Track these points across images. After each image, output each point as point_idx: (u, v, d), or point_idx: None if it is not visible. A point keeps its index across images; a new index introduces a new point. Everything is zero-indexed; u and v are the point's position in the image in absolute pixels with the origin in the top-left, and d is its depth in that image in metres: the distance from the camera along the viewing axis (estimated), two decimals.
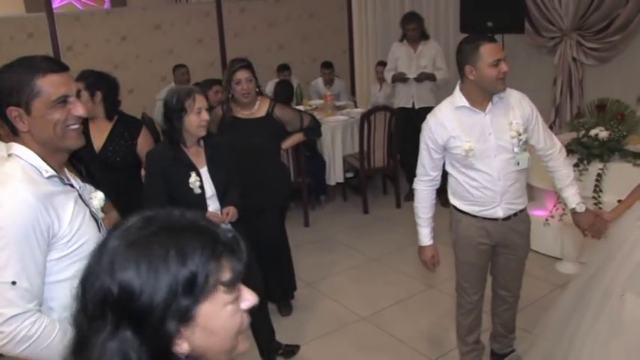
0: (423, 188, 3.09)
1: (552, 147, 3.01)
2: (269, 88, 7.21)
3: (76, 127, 1.76)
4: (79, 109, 1.75)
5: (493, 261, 3.19)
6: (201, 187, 3.06)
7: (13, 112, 1.68)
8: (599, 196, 4.16)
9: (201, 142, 3.13)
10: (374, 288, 4.55)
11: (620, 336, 2.51)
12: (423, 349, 3.73)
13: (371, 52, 8.54)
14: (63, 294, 1.67)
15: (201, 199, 3.06)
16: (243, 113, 3.85)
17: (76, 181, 1.88)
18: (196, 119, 2.98)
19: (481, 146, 2.85)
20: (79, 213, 1.76)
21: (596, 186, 4.18)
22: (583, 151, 4.28)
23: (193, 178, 3.04)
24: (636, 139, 4.48)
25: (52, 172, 1.73)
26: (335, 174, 6.19)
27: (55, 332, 1.65)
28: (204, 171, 3.10)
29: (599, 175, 4.20)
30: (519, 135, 2.85)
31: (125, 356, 0.93)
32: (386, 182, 6.71)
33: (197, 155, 3.11)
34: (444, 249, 3.34)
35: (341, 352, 3.76)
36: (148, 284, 0.93)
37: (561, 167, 3.04)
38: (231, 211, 3.10)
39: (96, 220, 1.86)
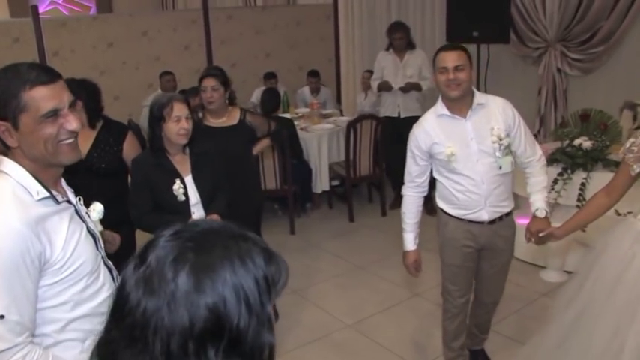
0: (410, 194, 3.17)
1: (532, 155, 3.07)
2: (255, 95, 7.23)
3: (69, 141, 1.63)
4: (72, 124, 1.61)
5: (477, 266, 3.23)
6: (185, 194, 3.04)
7: (1, 127, 1.56)
8: (583, 205, 4.20)
9: (187, 150, 3.11)
10: (359, 295, 4.55)
11: None
12: (408, 356, 3.74)
13: (357, 61, 8.59)
14: (58, 318, 1.62)
15: (185, 207, 3.04)
16: (215, 122, 3.86)
17: (73, 195, 1.78)
18: (175, 127, 2.95)
19: (463, 151, 2.94)
20: (74, 233, 1.66)
21: (579, 195, 4.21)
22: (567, 161, 4.32)
23: (177, 185, 3.01)
24: (619, 149, 4.49)
25: (43, 193, 1.61)
26: (321, 182, 6.20)
27: None
28: (188, 179, 3.08)
29: (582, 184, 4.23)
30: (500, 140, 2.92)
31: None
32: (371, 190, 6.73)
33: (182, 163, 3.09)
34: (429, 256, 3.37)
35: (326, 359, 3.76)
36: (232, 301, 0.89)
37: (537, 174, 3.09)
38: (215, 219, 3.04)
39: (93, 237, 1.77)
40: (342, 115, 7.35)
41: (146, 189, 3.06)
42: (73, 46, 6.77)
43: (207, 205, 3.13)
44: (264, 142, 4.27)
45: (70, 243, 1.63)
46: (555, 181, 4.31)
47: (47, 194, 1.62)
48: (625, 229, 2.69)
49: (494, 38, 6.22)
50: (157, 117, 2.97)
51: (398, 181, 6.40)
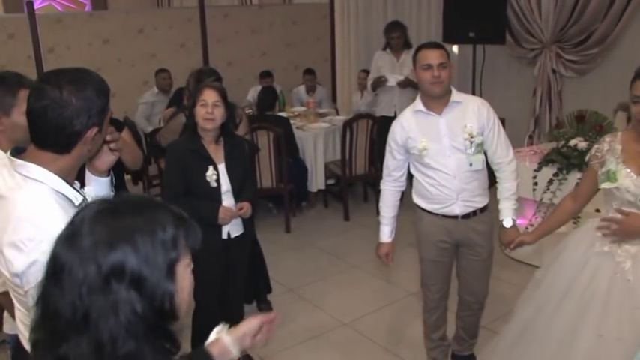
0: (387, 188, 3.27)
1: (504, 157, 3.12)
2: (251, 94, 7.25)
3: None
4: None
5: (457, 264, 3.31)
6: (217, 181, 3.18)
7: (93, 131, 1.61)
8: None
9: (221, 140, 3.25)
10: (355, 294, 4.57)
11: None
12: (404, 354, 3.76)
13: (353, 60, 8.60)
14: None
15: (216, 193, 3.19)
16: None
17: (80, 191, 1.75)
18: (201, 110, 3.13)
19: (436, 146, 3.02)
20: None
21: None
22: (562, 161, 4.35)
23: (210, 172, 3.16)
24: None
25: (80, 197, 1.65)
26: (317, 181, 6.22)
27: None
28: (221, 167, 3.22)
29: (577, 184, 4.25)
30: (472, 137, 2.99)
31: (133, 308, 1.06)
32: (367, 190, 6.74)
33: (216, 152, 3.24)
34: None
35: (323, 357, 3.78)
36: (145, 252, 1.08)
37: (506, 181, 3.14)
38: (246, 206, 3.26)
39: None
40: (337, 114, 7.37)
41: (180, 173, 3.19)
42: (69, 42, 6.77)
43: (237, 193, 3.27)
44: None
45: None
46: (551, 182, 4.34)
47: (82, 197, 1.65)
48: (583, 233, 2.75)
49: (490, 39, 6.25)
50: (192, 101, 3.18)
51: None
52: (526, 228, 4.57)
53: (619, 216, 2.53)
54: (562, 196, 4.29)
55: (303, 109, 7.08)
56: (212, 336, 1.54)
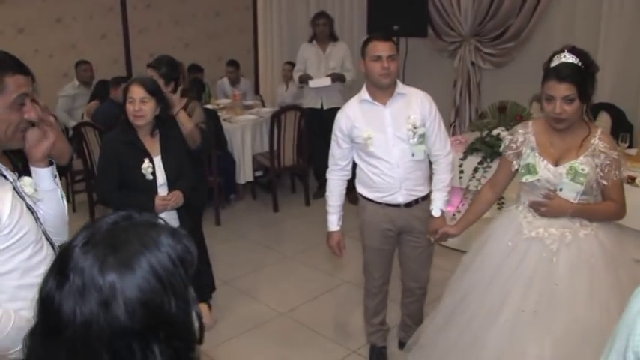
0: (333, 178, 3.33)
1: (441, 149, 3.24)
2: None
3: (24, 129, 1.76)
4: (32, 114, 1.73)
5: (400, 250, 3.41)
6: (153, 174, 3.17)
7: None
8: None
9: (157, 133, 3.23)
10: (290, 284, 4.62)
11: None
12: (342, 340, 3.85)
13: (275, 52, 8.60)
14: (7, 286, 1.67)
15: (152, 186, 3.18)
16: None
17: (8, 173, 1.81)
18: (129, 107, 3.12)
19: (380, 136, 3.11)
20: (16, 204, 1.72)
21: None
22: (487, 150, 4.55)
23: (146, 164, 3.15)
24: None
25: None
26: (244, 173, 6.21)
27: (11, 321, 1.63)
28: (157, 159, 3.20)
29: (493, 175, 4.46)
30: (415, 128, 3.09)
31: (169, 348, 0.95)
32: (294, 181, 6.80)
33: (152, 144, 3.22)
34: (354, 244, 3.50)
35: (262, 347, 3.80)
36: (158, 287, 0.95)
37: (441, 173, 3.27)
38: (177, 195, 3.24)
39: (32, 212, 1.81)
40: (263, 105, 7.36)
41: (115, 165, 3.16)
42: None
43: (172, 186, 3.25)
44: (187, 119, 3.76)
45: (15, 211, 1.69)
46: (476, 170, 4.53)
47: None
48: (508, 221, 2.89)
49: (412, 32, 6.41)
50: (124, 97, 3.16)
51: (321, 172, 6.52)
52: (453, 215, 4.75)
53: (545, 200, 2.69)
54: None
55: (228, 101, 7.05)
56: None
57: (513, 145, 2.77)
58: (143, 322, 0.91)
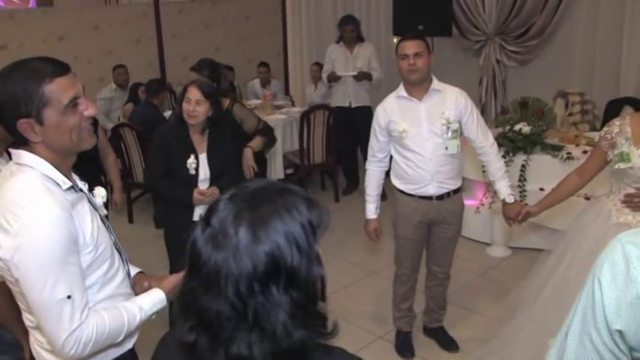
0: (372, 168, 3.51)
1: (484, 141, 3.37)
2: None
3: (89, 127, 1.70)
4: (90, 110, 1.67)
5: (428, 239, 3.56)
6: (197, 169, 3.36)
7: (23, 124, 1.58)
8: (524, 185, 4.57)
9: (206, 132, 3.42)
10: None
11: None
12: (369, 327, 4.02)
13: (305, 54, 8.79)
14: (88, 300, 1.68)
15: (193, 180, 3.36)
16: None
17: (82, 184, 1.80)
18: (185, 106, 3.31)
19: (415, 130, 3.26)
20: (93, 219, 1.72)
21: (520, 175, 4.58)
22: (509, 145, 4.67)
23: (191, 160, 3.34)
24: (554, 133, 4.94)
25: (68, 183, 1.66)
26: (276, 170, 6.38)
27: (106, 322, 1.68)
28: (202, 156, 3.39)
29: (523, 165, 4.60)
30: (449, 123, 3.23)
31: (292, 301, 1.05)
32: (324, 178, 6.97)
33: (200, 141, 3.41)
34: (382, 238, 3.67)
35: None
36: (285, 245, 1.04)
37: (493, 162, 3.40)
38: (214, 191, 3.36)
39: (103, 223, 1.82)
40: (293, 105, 7.54)
41: (163, 155, 3.38)
42: (22, 39, 6.76)
43: (213, 183, 3.43)
44: (258, 140, 4.17)
45: (94, 228, 1.70)
46: None
47: (70, 184, 1.67)
48: (598, 210, 2.98)
49: (437, 31, 6.54)
50: (180, 96, 3.36)
51: (349, 169, 6.70)
52: (477, 208, 4.90)
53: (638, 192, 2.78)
54: (509, 176, 4.63)
55: (259, 101, 7.22)
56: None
57: (609, 136, 2.85)
58: (266, 269, 1.02)
